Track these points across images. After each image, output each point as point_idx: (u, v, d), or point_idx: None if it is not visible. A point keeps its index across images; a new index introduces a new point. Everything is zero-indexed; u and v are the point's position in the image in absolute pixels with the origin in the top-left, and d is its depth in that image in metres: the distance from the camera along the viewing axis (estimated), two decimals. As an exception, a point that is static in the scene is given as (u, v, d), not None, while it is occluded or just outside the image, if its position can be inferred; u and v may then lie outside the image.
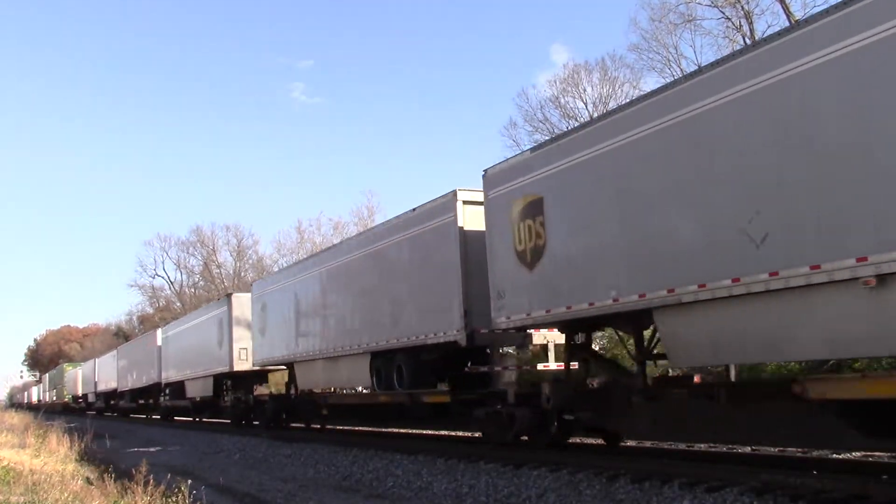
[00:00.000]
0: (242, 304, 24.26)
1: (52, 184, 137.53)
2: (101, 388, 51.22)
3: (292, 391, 21.57)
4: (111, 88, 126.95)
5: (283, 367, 22.15)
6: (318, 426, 21.64)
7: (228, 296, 25.73)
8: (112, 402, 49.00)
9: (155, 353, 35.04)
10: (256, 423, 23.77)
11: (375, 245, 15.85)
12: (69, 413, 57.70)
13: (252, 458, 17.01)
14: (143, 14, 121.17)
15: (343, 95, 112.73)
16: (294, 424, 22.22)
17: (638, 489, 8.37)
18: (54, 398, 73.58)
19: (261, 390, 25.39)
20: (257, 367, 23.32)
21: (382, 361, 15.61)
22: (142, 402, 40.38)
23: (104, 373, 49.96)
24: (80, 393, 60.07)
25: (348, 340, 16.62)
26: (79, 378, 60.34)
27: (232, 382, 26.34)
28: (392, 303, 14.91)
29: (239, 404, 25.16)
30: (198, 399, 29.24)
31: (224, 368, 24.65)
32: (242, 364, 23.81)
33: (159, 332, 35.98)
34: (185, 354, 30.11)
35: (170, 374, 32.78)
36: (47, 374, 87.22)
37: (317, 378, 19.34)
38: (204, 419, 31.34)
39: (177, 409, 34.41)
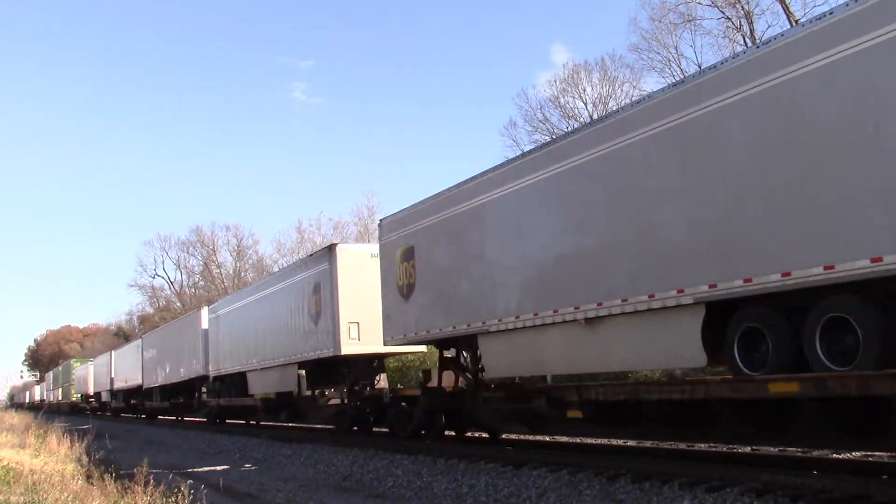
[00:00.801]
0: (354, 258, 17.11)
1: (52, 184, 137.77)
2: (120, 384, 44.23)
3: (443, 382, 14.56)
4: (111, 88, 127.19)
5: (429, 345, 15.90)
6: (511, 437, 14.81)
7: (331, 248, 17.62)
8: (134, 402, 42.29)
9: (198, 340, 27.71)
10: (390, 430, 16.23)
11: (745, 87, 7.82)
12: (73, 414, 52.74)
13: (252, 458, 17.00)
14: (144, 14, 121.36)
15: (343, 95, 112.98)
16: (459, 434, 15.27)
17: (638, 489, 8.37)
18: (59, 398, 67.90)
19: (382, 383, 18.54)
20: (388, 349, 16.04)
21: (759, 315, 8.05)
22: (176, 400, 33.53)
23: (124, 367, 42.72)
24: (91, 391, 54.03)
25: (659, 281, 8.92)
26: (90, 374, 53.98)
27: (332, 373, 18.63)
28: (812, 193, 7.25)
29: (352, 402, 17.75)
30: (269, 396, 22.71)
31: (324, 352, 17.29)
32: (353, 345, 16.69)
33: (205, 311, 28.21)
34: (249, 338, 22.65)
35: (222, 365, 25.37)
36: (51, 372, 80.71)
37: (538, 356, 11.14)
38: (274, 423, 23.54)
39: (232, 410, 26.44)
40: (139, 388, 38.54)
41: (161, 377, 33.80)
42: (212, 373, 26.64)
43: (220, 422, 27.74)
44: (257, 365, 22.06)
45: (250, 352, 22.61)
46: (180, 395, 32.83)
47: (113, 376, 45.98)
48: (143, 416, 40.60)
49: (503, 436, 14.88)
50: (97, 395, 52.69)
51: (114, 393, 46.78)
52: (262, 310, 22.07)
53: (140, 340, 39.37)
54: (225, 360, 25.19)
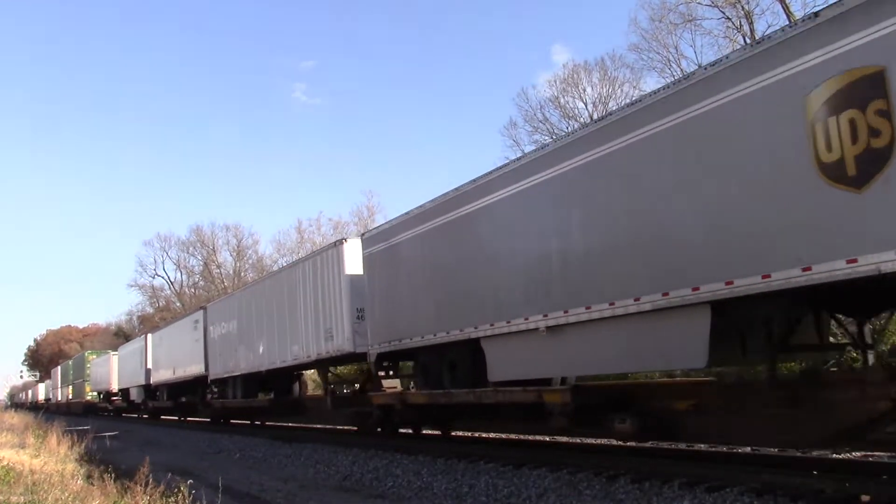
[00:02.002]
0: None
1: (52, 184, 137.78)
2: (162, 376, 33.07)
3: None
4: (112, 88, 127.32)
5: None
6: None
7: None
8: (185, 399, 31.82)
9: (338, 294, 16.39)
10: None
11: None
12: (87, 416, 44.00)
13: (252, 458, 16.99)
14: (145, 14, 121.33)
15: (344, 96, 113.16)
16: None
17: (638, 489, 8.37)
18: (69, 396, 59.12)
19: None
20: None
21: None
22: (267, 396, 23.05)
23: (170, 352, 31.99)
24: (114, 388, 44.59)
25: None
26: (112, 367, 44.50)
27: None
28: None
29: None
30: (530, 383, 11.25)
31: None
32: None
33: (352, 246, 16.30)
34: (512, 270, 11.09)
35: (405, 333, 13.95)
36: (58, 367, 70.86)
37: None
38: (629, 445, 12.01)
39: (451, 412, 14.28)
40: (200, 379, 27.46)
41: (246, 362, 22.53)
42: (374, 349, 15.18)
43: (398, 431, 16.35)
44: (533, 322, 10.50)
45: (513, 295, 10.99)
46: (271, 387, 22.74)
47: (149, 367, 35.30)
48: (208, 419, 29.23)
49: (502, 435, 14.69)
50: (123, 392, 42.88)
51: (151, 389, 36.20)
52: (569, 200, 10.05)
53: (201, 312, 27.97)
54: (418, 323, 13.49)
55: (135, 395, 39.80)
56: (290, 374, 21.70)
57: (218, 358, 25.38)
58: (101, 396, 49.04)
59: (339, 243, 16.72)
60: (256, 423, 26.06)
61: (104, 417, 44.90)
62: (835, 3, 6.79)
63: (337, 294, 16.59)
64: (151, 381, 35.34)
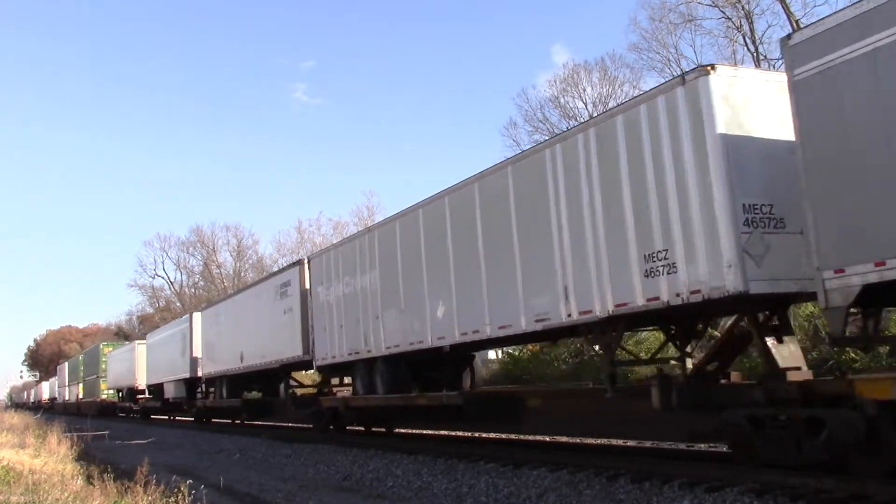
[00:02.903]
0: None
1: (52, 183, 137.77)
2: (220, 367, 24.86)
3: None
4: (112, 88, 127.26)
5: None
6: None
7: None
8: (248, 396, 23.82)
9: (700, 181, 7.97)
10: None
11: None
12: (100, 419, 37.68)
13: (252, 458, 16.99)
14: (145, 14, 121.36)
15: (344, 96, 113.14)
16: None
17: (638, 489, 8.37)
18: (80, 395, 52.20)
19: None
20: None
21: None
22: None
23: (235, 333, 23.44)
24: (140, 384, 36.88)
25: None
26: (138, 360, 37.01)
27: None
28: None
29: None
30: None
31: None
32: None
33: (726, 78, 8.09)
34: None
35: None
36: (66, 363, 63.58)
37: None
38: None
39: None
40: (289, 367, 19.76)
41: (400, 335, 14.09)
42: (852, 279, 6.44)
43: None
44: None
45: None
46: (417, 377, 15.02)
47: (196, 355, 27.64)
48: (310, 425, 19.85)
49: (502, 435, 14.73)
50: (155, 388, 34.61)
51: (199, 383, 28.48)
52: None
53: (296, 270, 19.11)
54: None
55: (171, 392, 31.24)
56: (458, 355, 13.97)
57: (335, 332, 16.51)
58: (122, 395, 41.67)
59: (694, 74, 8.26)
60: (391, 432, 17.77)
61: (122, 419, 40.00)
62: None
63: (686, 180, 8.28)
64: (200, 373, 27.31)
